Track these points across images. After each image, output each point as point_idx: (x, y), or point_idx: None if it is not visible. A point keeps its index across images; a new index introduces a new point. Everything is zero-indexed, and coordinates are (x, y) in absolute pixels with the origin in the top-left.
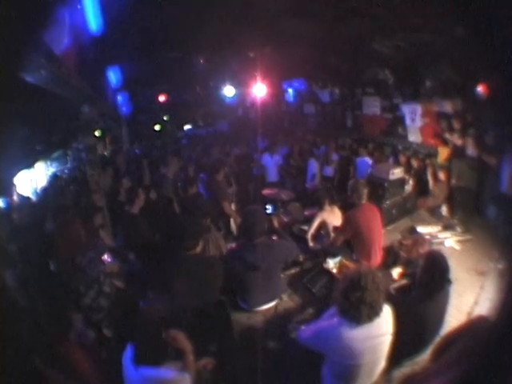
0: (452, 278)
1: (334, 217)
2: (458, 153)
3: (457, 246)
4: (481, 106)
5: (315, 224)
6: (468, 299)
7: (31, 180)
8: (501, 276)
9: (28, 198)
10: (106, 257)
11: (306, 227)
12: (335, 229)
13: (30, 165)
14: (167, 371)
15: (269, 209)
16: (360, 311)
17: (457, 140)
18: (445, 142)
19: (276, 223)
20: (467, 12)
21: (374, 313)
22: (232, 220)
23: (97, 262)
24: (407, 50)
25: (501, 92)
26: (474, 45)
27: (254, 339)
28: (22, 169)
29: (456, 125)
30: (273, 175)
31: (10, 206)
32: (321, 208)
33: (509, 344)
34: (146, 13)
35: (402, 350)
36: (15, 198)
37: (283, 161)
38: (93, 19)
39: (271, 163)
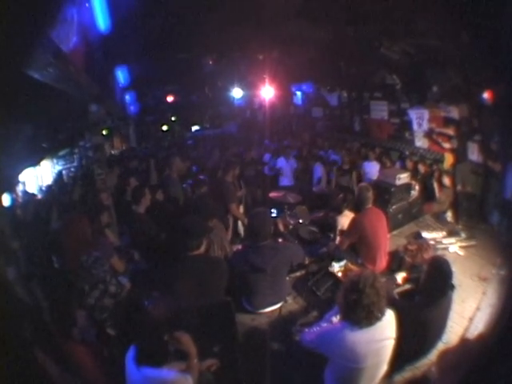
0: (455, 283)
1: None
2: (460, 158)
3: (461, 252)
4: (487, 112)
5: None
6: (470, 305)
7: (37, 177)
8: (501, 283)
9: (33, 194)
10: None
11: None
12: (341, 232)
13: (35, 162)
14: (169, 372)
15: (275, 212)
16: (356, 313)
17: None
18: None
19: (281, 226)
20: (473, 19)
21: (374, 316)
22: (240, 222)
23: (102, 262)
24: (415, 55)
25: (506, 99)
26: (480, 52)
27: (258, 341)
28: (27, 166)
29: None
30: (287, 180)
31: (14, 202)
32: (340, 212)
33: (508, 349)
34: (155, 13)
35: (403, 354)
36: (20, 194)
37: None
38: (101, 18)
39: (287, 167)
